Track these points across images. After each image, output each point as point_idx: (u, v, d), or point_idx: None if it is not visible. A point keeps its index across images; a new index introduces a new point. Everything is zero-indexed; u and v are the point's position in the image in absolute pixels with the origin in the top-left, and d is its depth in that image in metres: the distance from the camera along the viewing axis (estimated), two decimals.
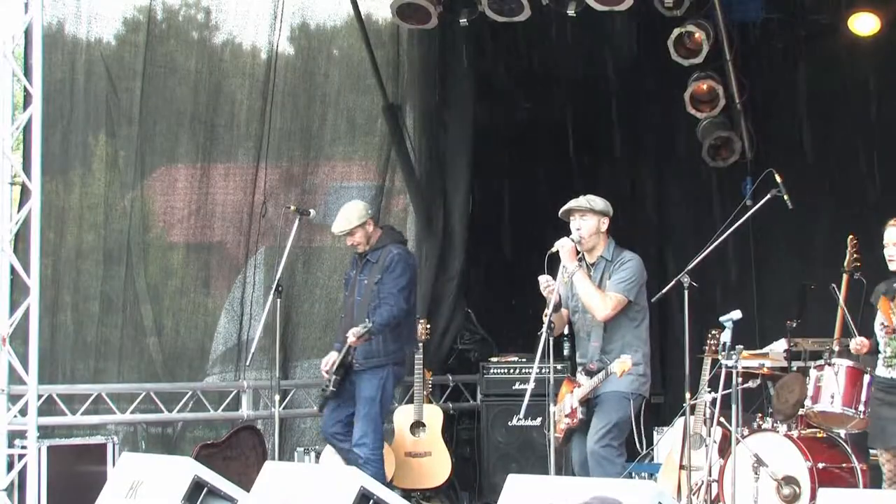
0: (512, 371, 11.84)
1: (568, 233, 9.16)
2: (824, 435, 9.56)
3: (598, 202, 9.17)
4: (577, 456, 9.12)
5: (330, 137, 12.05)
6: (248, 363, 10.99)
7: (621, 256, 9.18)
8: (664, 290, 9.11)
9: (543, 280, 8.87)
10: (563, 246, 8.94)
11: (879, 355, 8.51)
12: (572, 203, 9.15)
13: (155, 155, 11.29)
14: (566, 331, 9.07)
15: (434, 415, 11.36)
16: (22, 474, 9.64)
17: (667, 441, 10.28)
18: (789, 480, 9.31)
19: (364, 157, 12.44)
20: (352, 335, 9.89)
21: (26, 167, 9.77)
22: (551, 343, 8.66)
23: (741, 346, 8.90)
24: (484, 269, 12.88)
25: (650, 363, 9.11)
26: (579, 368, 9.17)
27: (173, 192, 11.44)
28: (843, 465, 9.41)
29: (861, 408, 8.88)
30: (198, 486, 8.31)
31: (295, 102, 11.80)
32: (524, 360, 11.66)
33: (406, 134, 12.43)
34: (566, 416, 8.96)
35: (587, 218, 9.11)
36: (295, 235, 10.43)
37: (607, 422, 8.93)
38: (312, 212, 10.85)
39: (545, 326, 8.62)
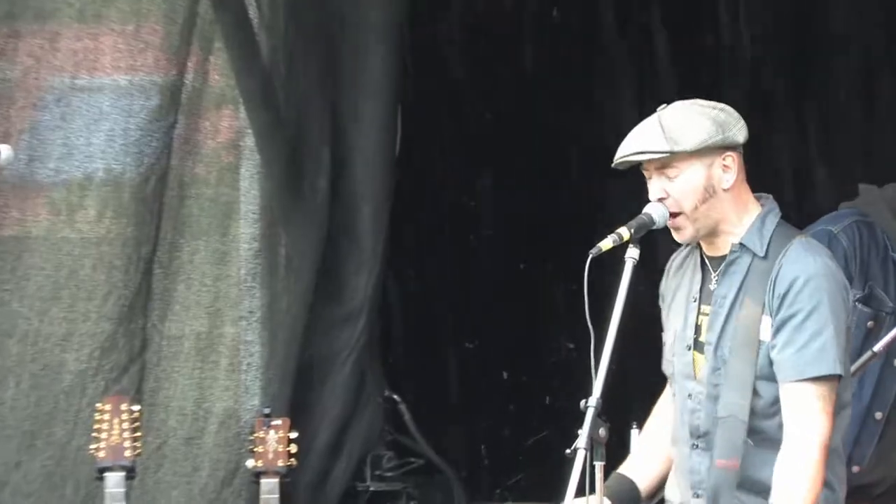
0: None
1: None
2: None
3: (696, 128, 4.58)
4: None
5: None
6: None
7: (787, 255, 4.67)
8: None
9: None
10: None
11: None
12: (629, 145, 4.79)
13: None
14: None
15: None
16: None
17: None
18: None
19: (134, 16, 7.49)
20: None
21: None
22: (599, 471, 4.68)
23: None
24: (428, 298, 8.27)
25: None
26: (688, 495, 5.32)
27: None
28: None
29: None
30: None
31: None
32: None
33: None
34: None
35: (677, 170, 4.79)
36: None
37: None
38: (5, 149, 6.22)
39: (584, 430, 4.60)
